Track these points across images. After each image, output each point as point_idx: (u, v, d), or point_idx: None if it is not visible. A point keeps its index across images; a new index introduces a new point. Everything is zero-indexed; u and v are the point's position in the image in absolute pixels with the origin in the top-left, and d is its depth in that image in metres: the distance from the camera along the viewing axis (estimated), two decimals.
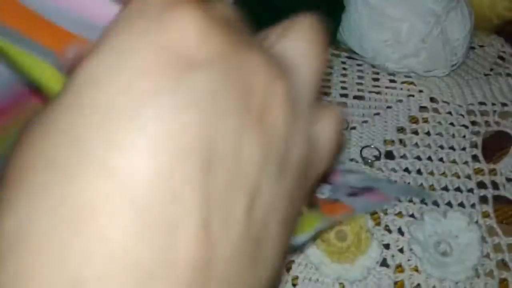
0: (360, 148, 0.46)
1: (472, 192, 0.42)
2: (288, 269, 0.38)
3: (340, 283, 0.37)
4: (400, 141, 0.47)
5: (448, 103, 0.51)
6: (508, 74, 0.54)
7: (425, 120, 0.49)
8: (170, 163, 0.12)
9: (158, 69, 0.12)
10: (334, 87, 0.53)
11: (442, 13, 0.49)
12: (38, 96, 0.21)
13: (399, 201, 0.41)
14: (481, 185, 0.43)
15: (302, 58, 0.16)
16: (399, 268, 0.38)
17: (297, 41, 0.16)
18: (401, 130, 0.48)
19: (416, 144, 0.47)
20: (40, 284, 0.11)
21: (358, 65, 0.56)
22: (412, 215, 0.41)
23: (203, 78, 0.12)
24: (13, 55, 0.18)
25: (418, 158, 0.45)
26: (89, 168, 0.11)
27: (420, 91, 0.52)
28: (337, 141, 0.17)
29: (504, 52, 0.57)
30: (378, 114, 0.50)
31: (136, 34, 0.12)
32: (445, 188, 0.43)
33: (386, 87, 0.53)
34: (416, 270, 0.38)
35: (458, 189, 0.43)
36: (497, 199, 0.42)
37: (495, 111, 0.50)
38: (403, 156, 0.45)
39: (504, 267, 0.38)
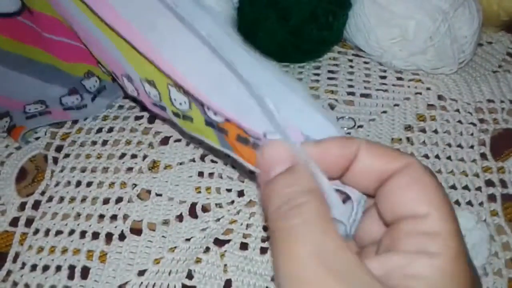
0: None
1: (480, 191, 0.42)
2: None
3: None
4: (408, 139, 0.47)
5: (456, 100, 0.50)
6: None
7: (433, 118, 0.49)
8: None
9: None
10: (340, 85, 0.53)
11: (449, 10, 0.48)
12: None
13: None
14: (489, 183, 0.43)
15: None
16: None
17: None
18: (408, 128, 0.48)
19: (424, 142, 0.46)
20: None
21: (365, 62, 0.55)
22: None
23: None
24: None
25: (426, 156, 0.45)
26: None
27: (428, 88, 0.52)
28: None
29: None
30: (385, 112, 0.50)
31: None
32: (453, 187, 0.43)
33: (393, 85, 0.53)
34: None
35: (466, 188, 0.42)
36: (506, 197, 0.42)
37: (503, 109, 0.49)
38: (411, 155, 0.45)
39: None
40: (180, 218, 0.41)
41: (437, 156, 0.45)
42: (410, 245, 0.19)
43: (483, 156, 0.45)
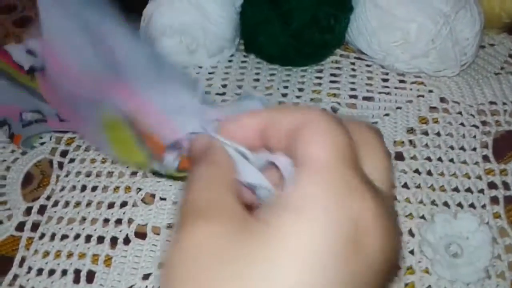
0: None
1: (483, 193, 0.42)
2: None
3: None
4: (410, 142, 0.47)
5: (458, 103, 0.51)
6: None
7: (435, 121, 0.49)
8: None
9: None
10: (343, 88, 0.53)
11: (451, 13, 0.48)
12: None
13: None
14: (492, 185, 0.43)
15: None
16: (410, 270, 0.38)
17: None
18: (411, 131, 0.48)
19: (426, 145, 0.47)
20: None
21: (367, 65, 0.56)
22: (422, 217, 0.41)
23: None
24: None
25: (429, 159, 0.45)
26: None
27: (430, 91, 0.52)
28: None
29: None
30: (387, 115, 0.50)
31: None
32: (456, 189, 0.43)
33: (396, 88, 0.53)
34: (427, 272, 0.38)
35: (468, 190, 0.43)
36: (509, 199, 0.42)
37: (505, 111, 0.50)
38: (413, 157, 0.45)
39: None
40: None
41: (439, 159, 0.45)
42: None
43: (485, 158, 0.45)
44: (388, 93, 0.52)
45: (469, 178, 0.44)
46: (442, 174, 0.44)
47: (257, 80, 0.55)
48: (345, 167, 0.17)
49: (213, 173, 0.20)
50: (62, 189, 0.44)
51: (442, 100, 0.51)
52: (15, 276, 0.39)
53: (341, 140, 0.18)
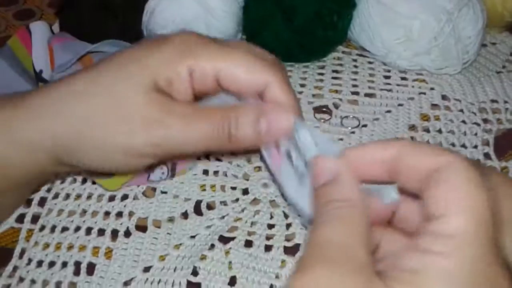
0: None
1: None
2: None
3: None
4: (412, 139, 0.47)
5: (459, 100, 0.51)
6: None
7: (437, 118, 0.49)
8: None
9: None
10: (345, 85, 0.53)
11: (453, 11, 0.48)
12: None
13: None
14: None
15: None
16: None
17: None
18: (412, 127, 0.48)
19: (428, 142, 0.47)
20: None
21: (369, 62, 0.56)
22: None
23: None
24: None
25: None
26: None
27: (432, 88, 0.52)
28: None
29: None
30: (389, 111, 0.50)
31: None
32: None
33: (398, 85, 0.53)
34: None
35: None
36: None
37: (507, 109, 0.50)
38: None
39: None
40: (185, 215, 0.41)
41: None
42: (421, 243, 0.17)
43: (486, 156, 0.45)
44: (389, 90, 0.52)
45: None
46: None
47: None
48: (488, 247, 0.15)
49: (344, 212, 0.18)
50: (63, 181, 0.44)
51: (444, 97, 0.51)
52: (15, 268, 0.39)
53: (486, 206, 0.16)
